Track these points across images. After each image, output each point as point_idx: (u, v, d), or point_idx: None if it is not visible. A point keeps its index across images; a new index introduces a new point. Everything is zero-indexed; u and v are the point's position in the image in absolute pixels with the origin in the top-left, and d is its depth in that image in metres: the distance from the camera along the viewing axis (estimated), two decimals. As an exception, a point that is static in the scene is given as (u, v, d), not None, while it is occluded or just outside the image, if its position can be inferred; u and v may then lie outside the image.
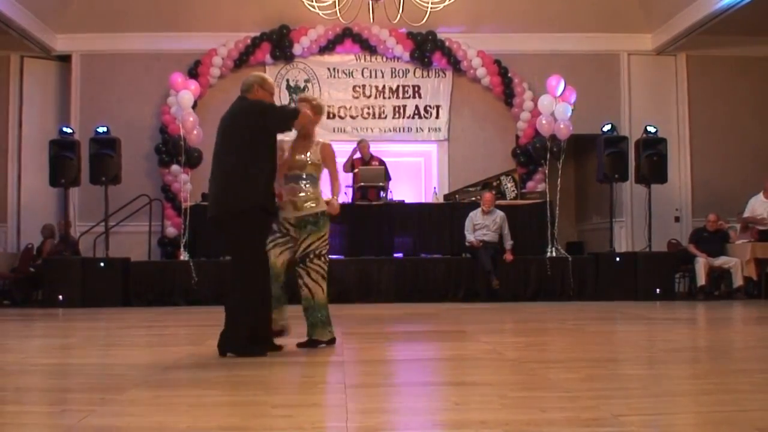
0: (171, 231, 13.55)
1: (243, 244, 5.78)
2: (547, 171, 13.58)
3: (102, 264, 12.07)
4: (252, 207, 5.71)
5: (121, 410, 3.83)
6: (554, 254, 12.65)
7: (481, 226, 12.29)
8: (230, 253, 6.01)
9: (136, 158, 13.87)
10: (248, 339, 5.67)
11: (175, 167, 13.56)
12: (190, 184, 13.24)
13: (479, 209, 12.41)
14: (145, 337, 7.56)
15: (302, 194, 6.11)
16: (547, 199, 13.04)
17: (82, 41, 14.35)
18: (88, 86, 14.43)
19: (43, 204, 14.06)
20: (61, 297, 11.75)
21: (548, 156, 13.30)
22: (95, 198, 13.07)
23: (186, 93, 13.09)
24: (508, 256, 12.20)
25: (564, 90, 13.24)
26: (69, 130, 13.07)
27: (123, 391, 4.29)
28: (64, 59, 14.61)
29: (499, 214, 12.36)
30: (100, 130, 12.85)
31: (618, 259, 12.53)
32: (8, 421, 3.60)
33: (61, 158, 12.54)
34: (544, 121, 13.15)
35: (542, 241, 12.76)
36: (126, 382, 4.71)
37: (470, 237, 12.28)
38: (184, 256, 12.40)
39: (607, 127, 13.23)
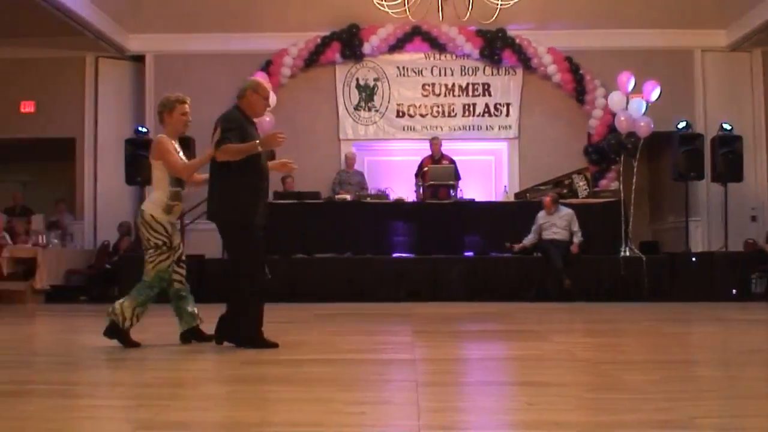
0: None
1: (228, 250, 6.16)
2: (621, 169, 13.37)
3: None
4: (222, 221, 5.97)
5: (195, 405, 3.88)
6: (628, 254, 12.44)
7: (550, 224, 12.16)
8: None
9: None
10: (259, 332, 5.88)
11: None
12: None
13: (547, 209, 12.32)
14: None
15: None
16: (621, 198, 12.83)
17: (154, 41, 14.62)
18: (161, 86, 14.58)
19: (119, 202, 14.35)
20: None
21: (622, 153, 13.09)
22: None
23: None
24: (574, 249, 12.05)
25: (634, 86, 13.01)
26: (144, 129, 13.34)
27: (197, 386, 4.35)
28: (138, 59, 14.90)
29: (567, 211, 12.20)
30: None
31: (693, 259, 12.28)
32: (83, 415, 3.67)
33: (137, 157, 12.72)
34: (622, 118, 12.90)
35: (616, 240, 12.53)
36: (200, 377, 4.78)
37: (525, 240, 12.21)
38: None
39: (681, 124, 12.96)
